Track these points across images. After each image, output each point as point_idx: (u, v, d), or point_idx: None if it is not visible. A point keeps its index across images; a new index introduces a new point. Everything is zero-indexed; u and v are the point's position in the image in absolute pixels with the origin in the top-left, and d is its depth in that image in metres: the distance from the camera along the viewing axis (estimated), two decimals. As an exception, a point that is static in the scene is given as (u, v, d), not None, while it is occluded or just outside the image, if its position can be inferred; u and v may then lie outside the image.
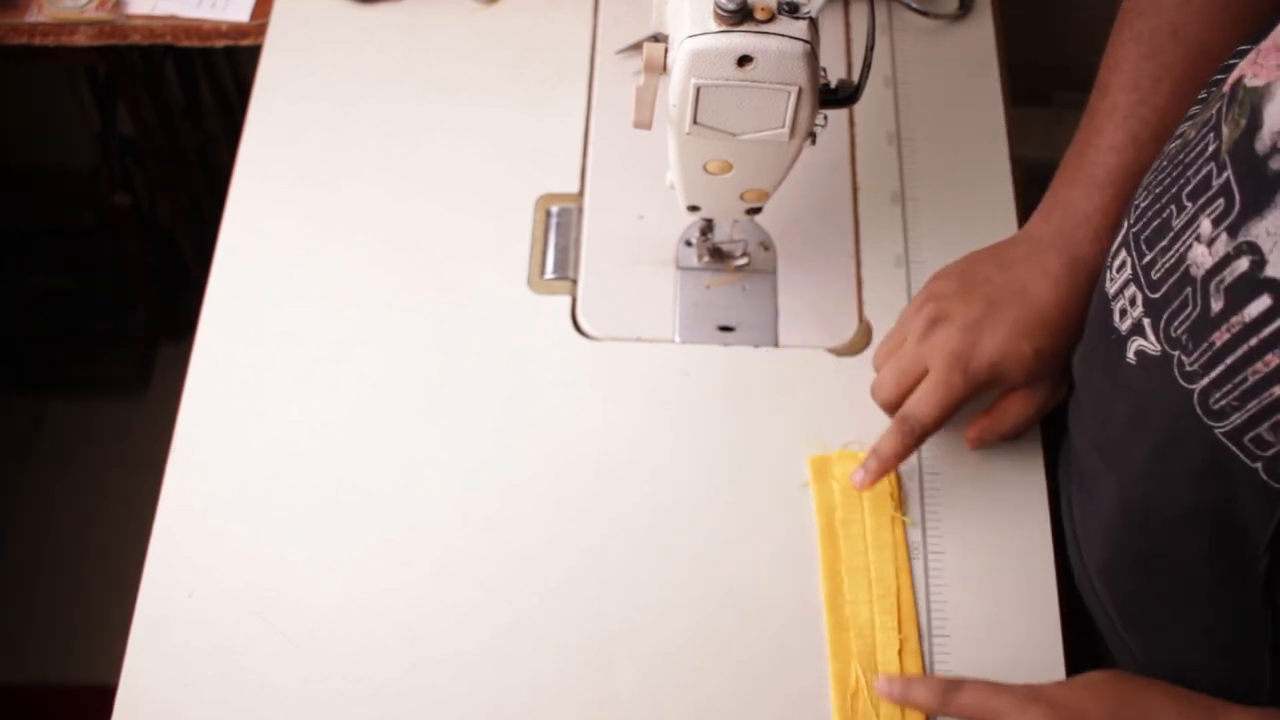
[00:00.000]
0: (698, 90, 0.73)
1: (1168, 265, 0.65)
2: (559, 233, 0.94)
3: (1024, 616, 0.81)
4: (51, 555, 1.65)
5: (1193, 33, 0.77)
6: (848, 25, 1.05)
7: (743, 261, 0.93)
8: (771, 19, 0.71)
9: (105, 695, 0.77)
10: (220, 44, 1.11)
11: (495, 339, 0.90)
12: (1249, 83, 0.61)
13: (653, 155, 0.88)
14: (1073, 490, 0.81)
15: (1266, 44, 0.61)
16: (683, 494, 0.84)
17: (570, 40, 1.03)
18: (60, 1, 1.11)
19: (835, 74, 0.78)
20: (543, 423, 0.86)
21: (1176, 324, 0.64)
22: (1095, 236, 0.79)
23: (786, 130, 0.75)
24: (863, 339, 0.90)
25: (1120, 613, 0.77)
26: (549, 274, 0.93)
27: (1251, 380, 0.59)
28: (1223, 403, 0.61)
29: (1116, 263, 0.71)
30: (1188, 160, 0.65)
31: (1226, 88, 0.63)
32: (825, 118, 0.77)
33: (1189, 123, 0.69)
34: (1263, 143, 0.58)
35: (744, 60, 0.71)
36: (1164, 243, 0.65)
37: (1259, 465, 0.61)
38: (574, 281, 0.92)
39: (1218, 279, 0.60)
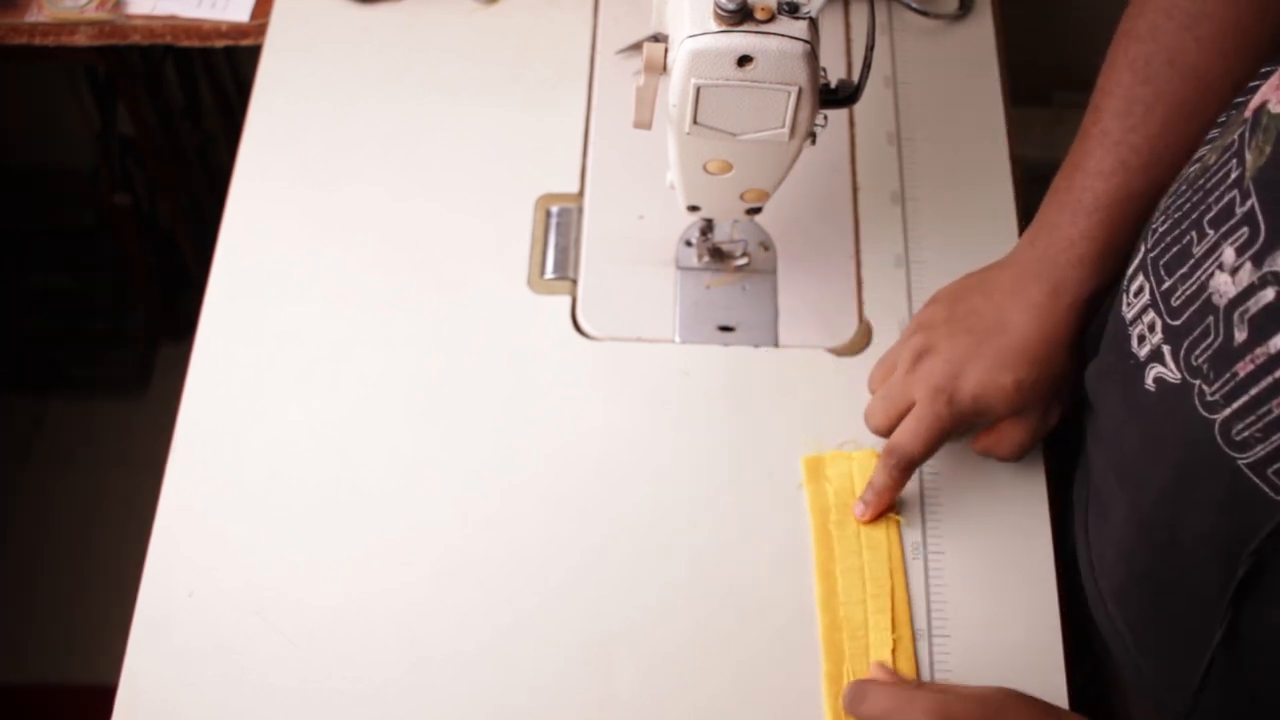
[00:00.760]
0: (698, 90, 0.73)
1: (1188, 293, 0.64)
2: (559, 233, 0.94)
3: (1024, 616, 0.81)
4: (51, 555, 1.65)
5: (1190, 61, 0.76)
6: (848, 25, 1.05)
7: (743, 261, 0.93)
8: (771, 19, 0.71)
9: (105, 695, 0.77)
10: (220, 44, 1.11)
11: (495, 339, 0.90)
12: (1273, 109, 0.59)
13: (653, 155, 0.88)
14: (1088, 510, 0.81)
15: None
16: (683, 494, 0.84)
17: (570, 40, 1.03)
18: (60, 1, 1.11)
19: (835, 74, 0.77)
20: (543, 423, 0.86)
21: (1198, 353, 0.63)
22: (1079, 262, 0.79)
23: (786, 130, 0.75)
24: (863, 339, 0.90)
25: (1134, 635, 0.76)
26: (549, 274, 0.93)
27: (1277, 413, 0.58)
28: (1245, 434, 0.60)
29: (1134, 287, 0.70)
30: (1208, 186, 0.63)
31: (1249, 113, 0.62)
32: (825, 118, 0.77)
33: (1208, 147, 0.68)
34: None
35: (744, 60, 0.71)
36: (1184, 269, 0.64)
37: None
38: (574, 281, 0.92)
39: (1241, 309, 0.59)
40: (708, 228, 0.91)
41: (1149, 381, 0.67)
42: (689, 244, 0.94)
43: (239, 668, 0.78)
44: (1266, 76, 0.63)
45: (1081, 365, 0.80)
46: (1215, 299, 0.61)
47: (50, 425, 1.76)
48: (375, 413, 0.87)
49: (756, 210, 0.86)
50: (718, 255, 0.93)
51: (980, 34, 1.04)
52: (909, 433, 0.80)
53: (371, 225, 0.94)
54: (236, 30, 1.10)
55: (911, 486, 0.84)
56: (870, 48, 0.76)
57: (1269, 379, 0.58)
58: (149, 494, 0.84)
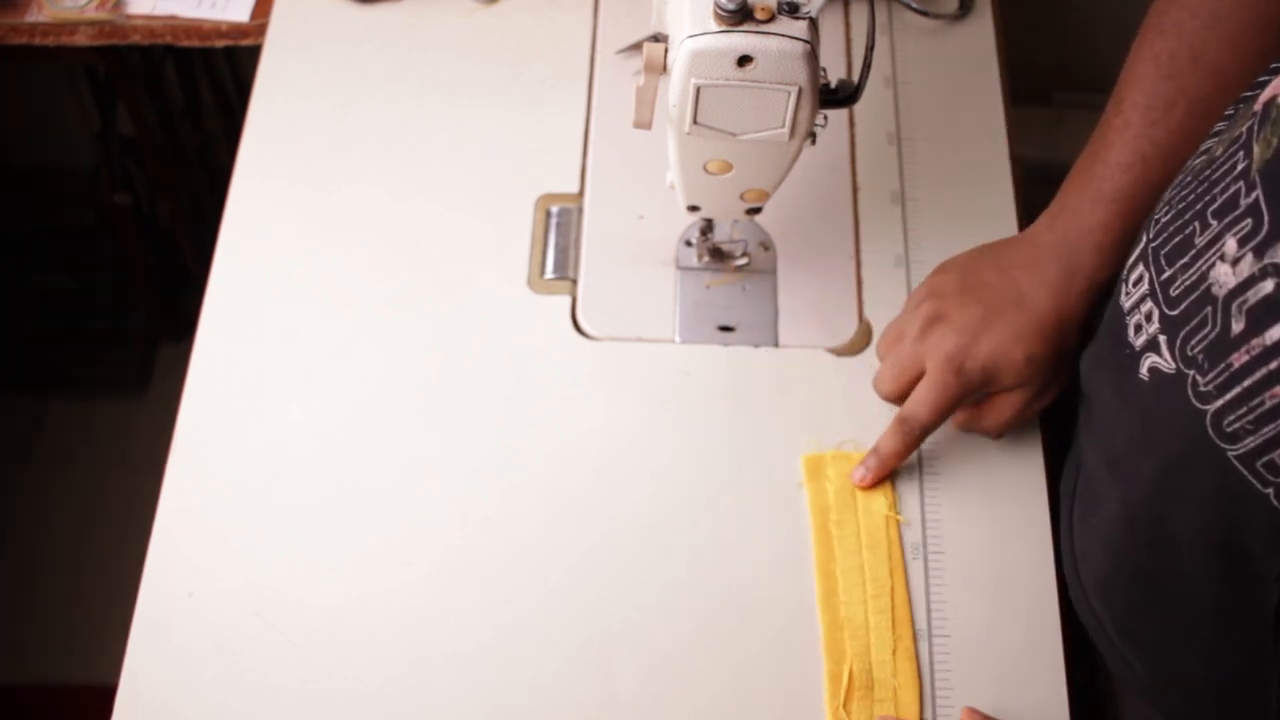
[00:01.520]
0: (698, 90, 0.73)
1: (1188, 283, 0.64)
2: (559, 233, 0.94)
3: (1024, 616, 0.81)
4: (51, 555, 1.65)
5: (1213, 58, 0.77)
6: (848, 25, 1.05)
7: (743, 261, 0.93)
8: (771, 19, 0.71)
9: (105, 695, 0.77)
10: (220, 44, 1.11)
11: (495, 339, 0.90)
12: None
13: (653, 155, 0.88)
14: (1075, 501, 0.81)
15: None
16: (683, 494, 0.84)
17: (570, 40, 1.03)
18: (60, 1, 1.11)
19: (835, 74, 0.77)
20: (543, 423, 0.86)
21: (1194, 343, 0.63)
22: (1096, 249, 0.79)
23: (786, 130, 0.75)
24: (863, 339, 0.90)
25: (1118, 628, 0.77)
26: (549, 274, 0.93)
27: (1269, 404, 0.58)
28: (1236, 425, 0.60)
29: (1133, 277, 0.70)
30: (1214, 177, 0.64)
31: (1258, 106, 0.62)
32: (825, 118, 0.77)
33: (1215, 139, 0.68)
34: None
35: (744, 60, 0.71)
36: (1185, 260, 0.64)
37: (1270, 491, 0.60)
38: (574, 281, 0.92)
39: (1240, 300, 0.59)
40: (708, 228, 0.91)
41: (1143, 371, 0.67)
42: (689, 244, 0.94)
43: (239, 668, 0.78)
44: (1277, 72, 0.64)
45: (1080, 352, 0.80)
46: (1215, 289, 0.61)
47: (50, 425, 1.76)
48: (375, 413, 0.87)
49: (756, 210, 0.86)
50: (718, 255, 0.93)
51: (980, 34, 1.04)
52: (919, 401, 0.80)
53: (371, 225, 0.94)
54: (236, 30, 1.10)
55: (912, 486, 0.84)
56: (870, 48, 0.76)
57: (1263, 370, 0.58)
58: (149, 494, 0.84)
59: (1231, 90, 0.72)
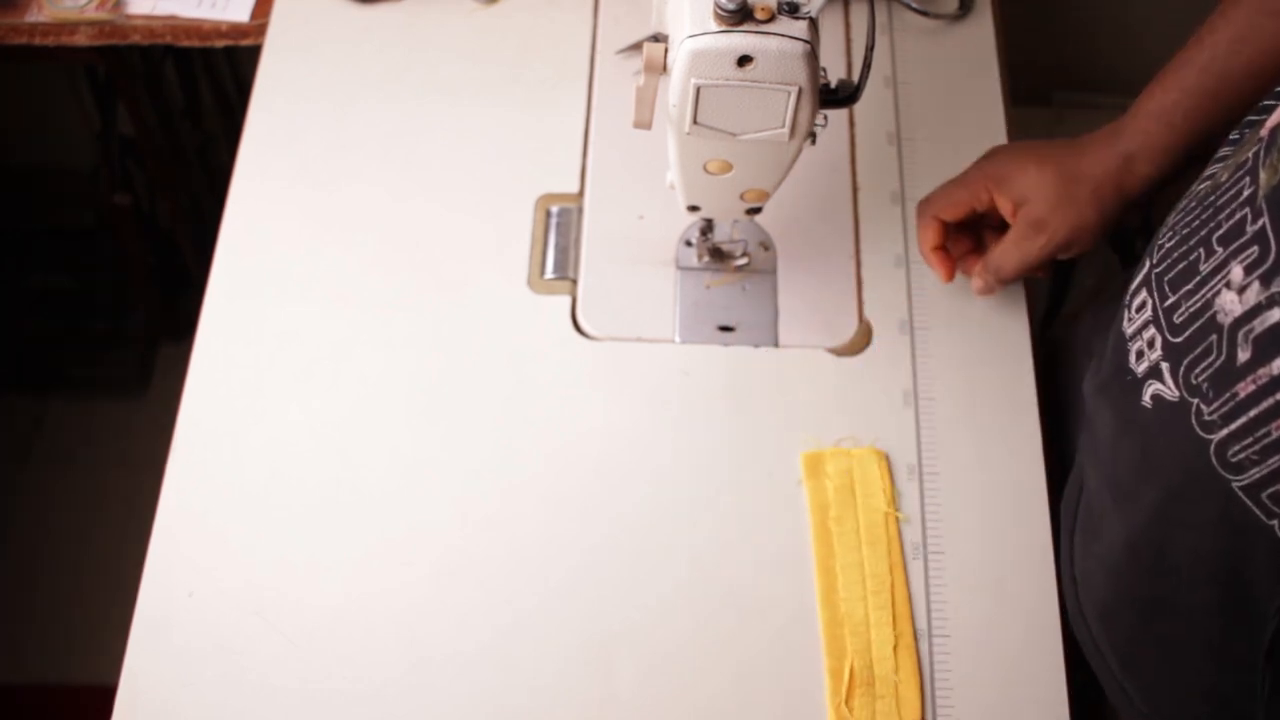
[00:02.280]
0: (698, 90, 0.73)
1: (1192, 310, 0.63)
2: (559, 233, 0.94)
3: (1024, 616, 0.81)
4: (51, 555, 1.65)
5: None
6: (848, 25, 1.05)
7: (743, 261, 0.93)
8: (771, 19, 0.71)
9: (105, 695, 0.77)
10: (220, 44, 1.11)
11: (495, 339, 0.90)
12: None
13: (653, 155, 0.88)
14: (1076, 526, 0.80)
15: None
16: (683, 494, 0.84)
17: (570, 40, 1.03)
18: (60, 1, 1.11)
19: (835, 74, 0.77)
20: (543, 423, 0.86)
21: (1198, 371, 0.62)
22: (1152, 147, 0.80)
23: (786, 130, 0.75)
24: (863, 339, 0.90)
25: (1119, 657, 0.76)
26: (549, 274, 0.93)
27: (1275, 435, 0.57)
28: (1241, 456, 0.59)
29: (1136, 303, 0.69)
30: (1220, 204, 0.63)
31: (1264, 132, 0.61)
32: (825, 118, 0.77)
33: (1220, 164, 0.67)
34: None
35: (744, 60, 0.71)
36: (1189, 286, 0.64)
37: (1275, 523, 0.59)
38: (574, 281, 0.92)
39: (1246, 328, 0.59)
40: (708, 228, 0.91)
41: (1146, 399, 0.67)
42: (689, 244, 0.94)
43: (239, 668, 0.78)
44: None
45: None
46: (1220, 317, 0.60)
47: (50, 425, 1.76)
48: (375, 413, 0.87)
49: (756, 210, 0.86)
50: (718, 255, 0.93)
51: (980, 34, 1.04)
52: (1005, 255, 0.84)
53: (371, 225, 0.94)
54: (236, 30, 1.10)
55: (912, 487, 0.84)
56: (870, 48, 0.76)
57: (1270, 400, 0.57)
58: (149, 494, 0.84)
59: None
